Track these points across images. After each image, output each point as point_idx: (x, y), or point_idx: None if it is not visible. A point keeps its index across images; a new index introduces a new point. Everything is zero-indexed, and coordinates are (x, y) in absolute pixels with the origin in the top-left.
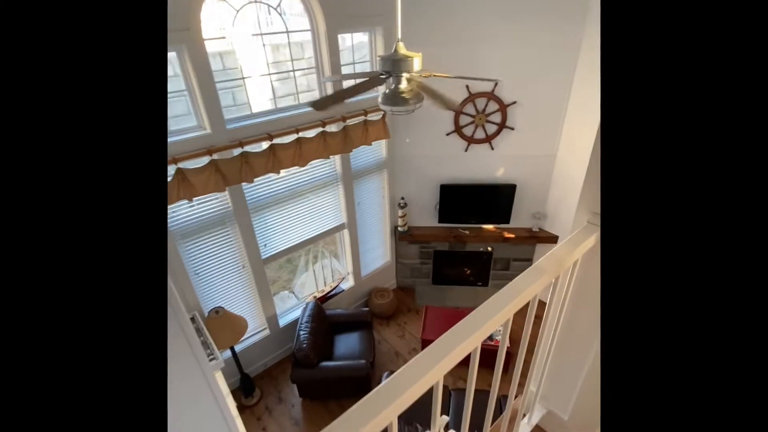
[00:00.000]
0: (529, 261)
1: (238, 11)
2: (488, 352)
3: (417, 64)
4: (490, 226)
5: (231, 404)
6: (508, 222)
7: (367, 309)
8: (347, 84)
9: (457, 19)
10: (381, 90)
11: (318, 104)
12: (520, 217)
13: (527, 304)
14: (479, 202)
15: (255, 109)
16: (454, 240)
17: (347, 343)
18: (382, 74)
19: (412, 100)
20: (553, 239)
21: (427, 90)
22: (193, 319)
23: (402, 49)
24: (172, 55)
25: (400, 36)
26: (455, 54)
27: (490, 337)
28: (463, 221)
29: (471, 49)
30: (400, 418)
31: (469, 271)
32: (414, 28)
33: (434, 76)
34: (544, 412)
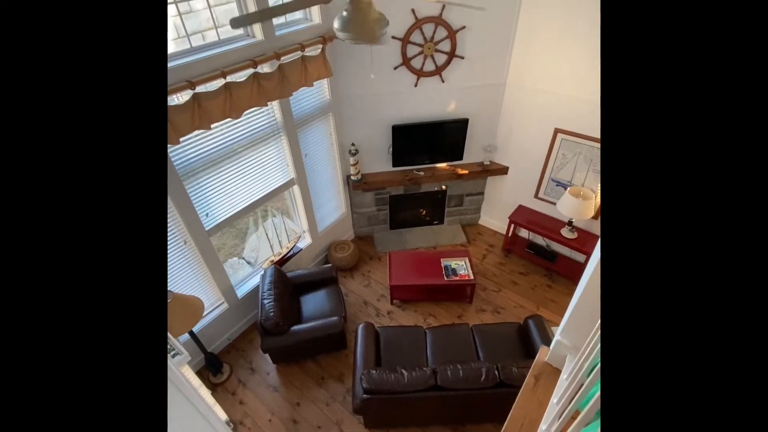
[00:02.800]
0: (481, 194)
1: None
2: (454, 287)
3: None
4: (443, 165)
5: (206, 395)
6: (461, 158)
7: (329, 265)
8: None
9: None
10: (318, 17)
11: (239, 21)
12: (472, 152)
13: None
14: (432, 141)
15: (172, 49)
16: (409, 183)
17: (315, 303)
18: None
19: (377, 25)
20: (503, 171)
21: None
22: None
23: None
24: None
25: None
26: None
27: (455, 272)
28: (418, 163)
29: None
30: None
31: (425, 212)
32: None
33: None
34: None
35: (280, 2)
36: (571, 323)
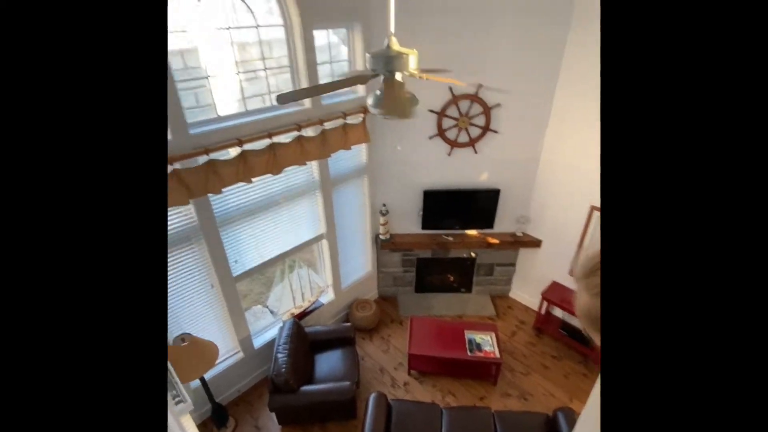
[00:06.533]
0: (512, 266)
1: (199, 1)
2: (478, 363)
3: (413, 61)
4: (473, 232)
5: None
6: (491, 227)
7: (348, 324)
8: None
9: (438, 16)
10: (362, 90)
11: (286, 97)
12: (504, 222)
13: None
14: (463, 208)
15: (222, 112)
16: (437, 247)
17: (329, 363)
18: (371, 73)
19: (409, 103)
20: (536, 243)
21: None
22: None
23: (395, 45)
24: None
25: (393, 29)
26: (435, 52)
27: (480, 347)
28: (447, 227)
29: (452, 50)
30: None
31: (452, 278)
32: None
33: (432, 72)
34: None
35: (329, 79)
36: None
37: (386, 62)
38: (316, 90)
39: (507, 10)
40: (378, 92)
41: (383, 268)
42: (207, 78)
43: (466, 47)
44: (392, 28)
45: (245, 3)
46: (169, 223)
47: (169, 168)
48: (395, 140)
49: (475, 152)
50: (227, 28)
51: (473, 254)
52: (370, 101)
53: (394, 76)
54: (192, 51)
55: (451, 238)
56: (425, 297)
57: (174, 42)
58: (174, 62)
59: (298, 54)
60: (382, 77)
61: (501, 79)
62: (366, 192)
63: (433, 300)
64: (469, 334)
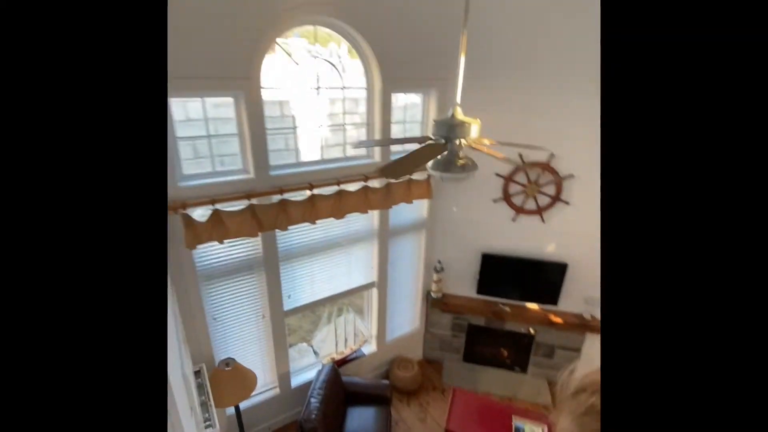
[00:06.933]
0: (576, 351)
1: (297, 63)
2: None
3: (475, 130)
4: (534, 306)
5: None
6: (555, 304)
7: (387, 382)
8: (407, 146)
9: (516, 86)
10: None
11: (386, 171)
12: (570, 300)
13: None
14: (524, 278)
15: (307, 157)
16: (492, 315)
17: (361, 419)
18: (438, 140)
19: (466, 168)
20: None
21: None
22: (198, 373)
23: (459, 114)
24: (228, 100)
25: (459, 100)
26: (510, 121)
27: None
28: (504, 296)
29: (526, 118)
30: None
31: (506, 353)
32: (467, 91)
33: (491, 145)
34: None
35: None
36: None
37: (449, 129)
38: (387, 142)
39: (584, 84)
40: (438, 156)
41: (431, 329)
42: (295, 129)
43: (540, 117)
44: (458, 99)
45: (336, 68)
46: (237, 251)
47: (246, 203)
48: (458, 198)
49: (543, 221)
50: (317, 88)
51: (532, 330)
52: (429, 163)
53: (455, 142)
54: (287, 102)
55: (508, 309)
56: (473, 368)
57: (272, 94)
58: (272, 111)
59: (376, 113)
60: (444, 142)
61: (577, 151)
62: (422, 246)
63: (481, 373)
64: (517, 421)
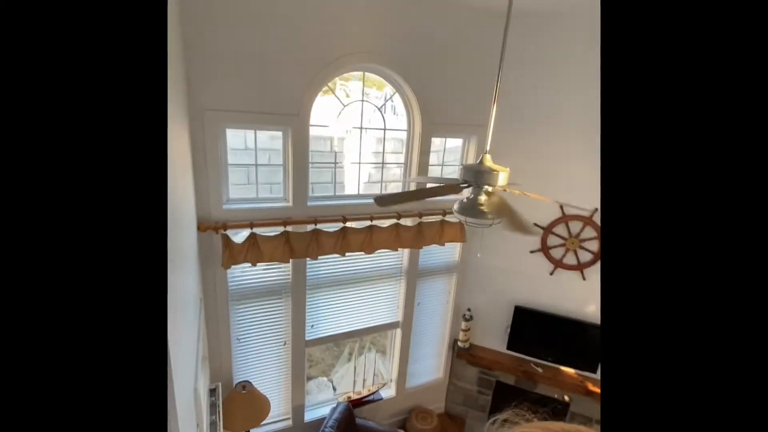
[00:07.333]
0: None
1: (345, 106)
2: None
3: (502, 178)
4: (570, 371)
5: None
6: (594, 371)
7: None
8: (428, 185)
9: (562, 135)
10: (459, 197)
11: (381, 200)
12: None
13: None
14: (560, 338)
15: (349, 191)
16: (522, 375)
17: None
18: (461, 183)
19: (489, 215)
20: None
21: (504, 208)
22: (213, 391)
23: (488, 162)
24: (277, 134)
25: (488, 147)
26: (549, 171)
27: None
28: (537, 355)
29: (568, 169)
30: None
31: (536, 419)
32: (509, 137)
33: (522, 193)
34: None
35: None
36: None
37: (476, 175)
38: (412, 195)
39: None
40: (464, 199)
41: (456, 380)
42: (335, 164)
43: (582, 168)
44: (488, 146)
45: (379, 110)
46: (267, 275)
47: (282, 229)
48: (493, 246)
49: (584, 279)
50: (361, 128)
51: (567, 398)
52: (456, 206)
53: (482, 188)
54: (334, 138)
55: (540, 370)
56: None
57: (320, 130)
58: (320, 145)
59: (414, 156)
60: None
61: None
62: (452, 291)
63: None
64: None
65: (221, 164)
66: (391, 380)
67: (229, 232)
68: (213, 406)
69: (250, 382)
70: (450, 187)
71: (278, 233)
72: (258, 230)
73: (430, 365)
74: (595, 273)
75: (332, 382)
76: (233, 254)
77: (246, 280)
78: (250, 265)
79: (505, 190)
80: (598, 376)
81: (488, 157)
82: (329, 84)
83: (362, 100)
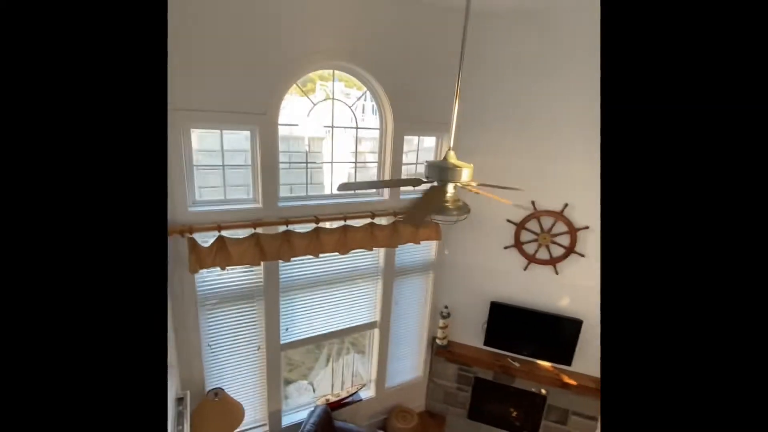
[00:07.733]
0: (593, 420)
1: (315, 105)
2: None
3: (466, 174)
4: (546, 364)
5: None
6: (569, 364)
7: None
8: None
9: (531, 131)
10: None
11: (345, 186)
12: (586, 361)
13: None
14: (535, 332)
15: (316, 191)
16: (500, 370)
17: None
18: (423, 180)
19: (455, 211)
20: None
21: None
22: (181, 400)
23: (452, 158)
24: (245, 134)
25: (452, 144)
26: (521, 167)
27: None
28: (514, 350)
29: (539, 165)
30: None
31: (515, 413)
32: (481, 135)
33: (479, 185)
34: None
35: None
36: None
37: (440, 172)
38: (373, 184)
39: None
40: (417, 195)
41: (435, 378)
42: (307, 162)
43: (554, 164)
44: (452, 143)
45: (351, 109)
46: (239, 279)
47: (252, 231)
48: (467, 242)
49: (556, 273)
50: (332, 127)
51: (543, 391)
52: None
53: (445, 185)
54: (305, 138)
55: (517, 364)
56: (479, 428)
57: (289, 130)
58: (288, 145)
59: (387, 154)
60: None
61: (592, 201)
62: (429, 289)
63: None
64: None
65: (185, 165)
66: (370, 381)
67: (198, 236)
68: (180, 416)
69: (222, 389)
70: (408, 180)
71: (248, 235)
72: (227, 233)
73: (409, 364)
74: (566, 267)
75: (312, 385)
76: (200, 258)
77: (216, 284)
78: (219, 269)
79: (464, 187)
80: (572, 368)
81: (452, 153)
82: (309, 84)
83: (332, 99)
